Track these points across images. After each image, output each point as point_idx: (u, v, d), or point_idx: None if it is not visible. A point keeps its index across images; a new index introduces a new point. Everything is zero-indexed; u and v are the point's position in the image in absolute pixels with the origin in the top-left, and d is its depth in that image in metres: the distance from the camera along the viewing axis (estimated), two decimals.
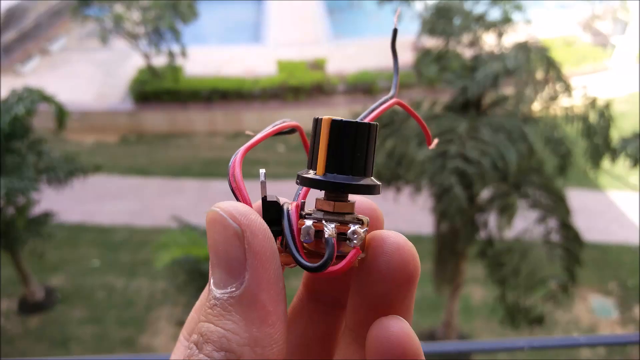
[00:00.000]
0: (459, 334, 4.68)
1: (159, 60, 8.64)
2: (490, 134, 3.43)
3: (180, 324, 3.08)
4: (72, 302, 5.21)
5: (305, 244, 0.25)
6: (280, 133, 0.29)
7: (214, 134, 8.52)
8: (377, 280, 0.26)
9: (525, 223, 3.67)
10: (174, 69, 8.63)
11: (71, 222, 6.16)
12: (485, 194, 3.81)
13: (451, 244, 4.05)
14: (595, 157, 3.67)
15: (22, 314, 5.06)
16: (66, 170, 4.54)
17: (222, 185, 6.79)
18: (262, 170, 0.25)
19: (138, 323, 4.97)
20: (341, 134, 0.25)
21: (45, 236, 4.60)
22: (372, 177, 0.27)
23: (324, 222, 0.25)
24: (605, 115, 3.65)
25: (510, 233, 3.73)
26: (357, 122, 0.26)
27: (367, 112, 0.29)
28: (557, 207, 3.57)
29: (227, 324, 0.22)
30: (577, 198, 4.77)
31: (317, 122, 0.26)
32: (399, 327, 0.25)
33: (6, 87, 4.63)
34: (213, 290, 0.23)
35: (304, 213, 0.26)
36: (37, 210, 4.71)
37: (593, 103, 3.72)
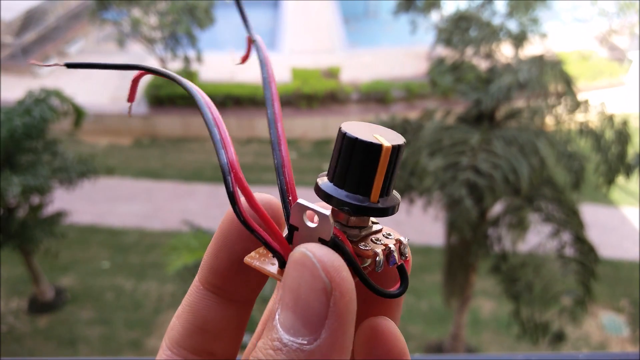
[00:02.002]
0: (466, 346, 4.63)
1: (175, 65, 8.72)
2: (503, 146, 3.41)
3: None
4: (81, 303, 5.24)
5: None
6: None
7: None
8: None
9: (538, 237, 3.63)
10: (189, 74, 8.69)
11: (83, 223, 6.22)
12: (498, 207, 3.78)
13: (461, 256, 4.02)
14: (610, 174, 3.62)
15: (32, 313, 5.10)
16: (79, 171, 4.57)
17: None
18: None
19: (146, 325, 4.98)
20: (395, 158, 0.24)
21: (58, 235, 4.63)
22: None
23: (391, 247, 0.25)
24: (623, 132, 3.61)
25: (523, 247, 3.70)
26: (404, 143, 0.24)
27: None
28: (571, 221, 3.53)
29: None
30: (590, 213, 4.71)
31: (370, 146, 0.23)
32: (386, 326, 0.25)
33: (24, 88, 4.68)
34: (280, 330, 0.21)
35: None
36: (49, 210, 4.76)
37: (610, 120, 3.68)
